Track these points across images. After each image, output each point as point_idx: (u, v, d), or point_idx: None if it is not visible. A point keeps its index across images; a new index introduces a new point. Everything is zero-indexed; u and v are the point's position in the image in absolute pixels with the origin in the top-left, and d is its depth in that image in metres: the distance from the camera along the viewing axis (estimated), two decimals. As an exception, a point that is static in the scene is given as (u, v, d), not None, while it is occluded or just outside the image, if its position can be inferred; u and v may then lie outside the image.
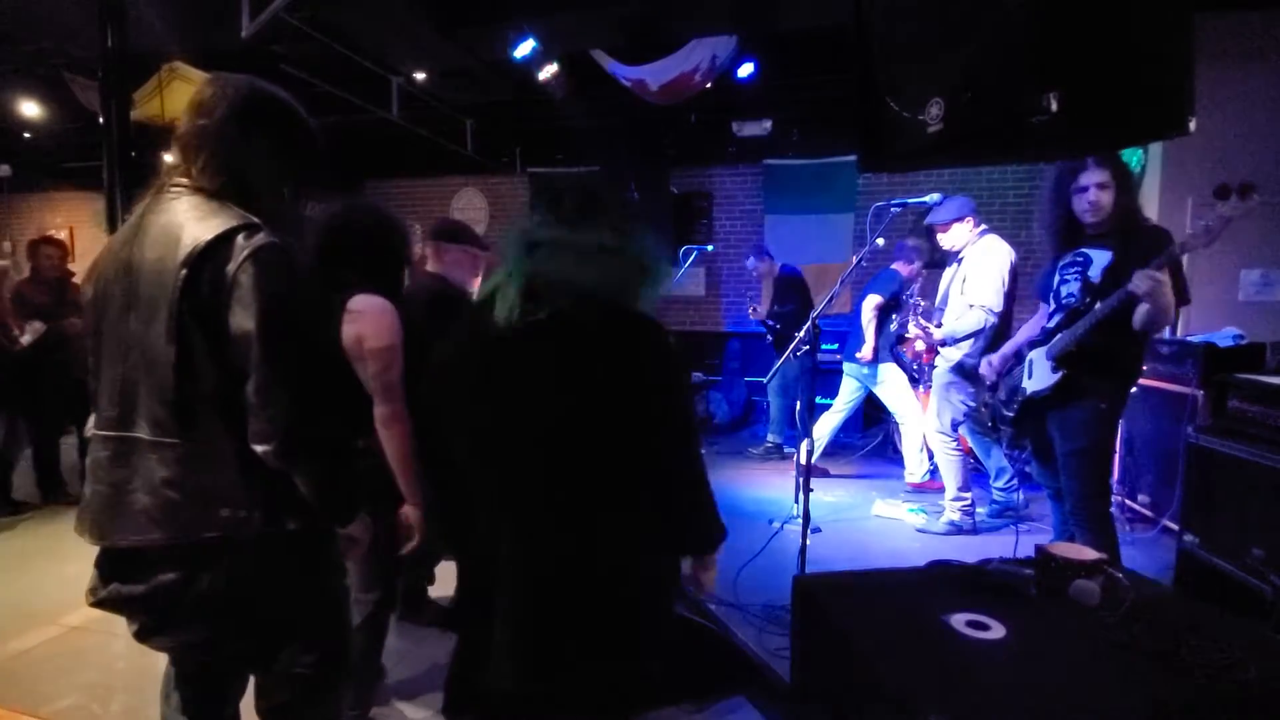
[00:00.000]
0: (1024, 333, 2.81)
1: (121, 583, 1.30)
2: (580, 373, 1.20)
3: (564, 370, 1.21)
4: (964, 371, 3.61)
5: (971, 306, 3.59)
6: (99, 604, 1.33)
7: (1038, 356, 2.59)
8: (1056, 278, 2.59)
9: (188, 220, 1.24)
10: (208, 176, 1.29)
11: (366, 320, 1.79)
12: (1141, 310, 2.28)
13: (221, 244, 1.21)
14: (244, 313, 1.20)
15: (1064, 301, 2.53)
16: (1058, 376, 2.48)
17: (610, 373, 1.20)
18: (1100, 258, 2.42)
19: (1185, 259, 2.34)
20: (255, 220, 1.27)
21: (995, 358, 2.82)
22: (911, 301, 4.06)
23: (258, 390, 1.21)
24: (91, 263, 1.38)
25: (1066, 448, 2.51)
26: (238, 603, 1.28)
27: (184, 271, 1.20)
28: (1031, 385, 2.59)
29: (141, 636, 1.36)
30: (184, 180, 1.30)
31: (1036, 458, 2.74)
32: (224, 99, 1.31)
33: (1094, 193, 2.40)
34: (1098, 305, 2.36)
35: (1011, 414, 2.69)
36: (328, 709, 1.50)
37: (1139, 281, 2.19)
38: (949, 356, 3.75)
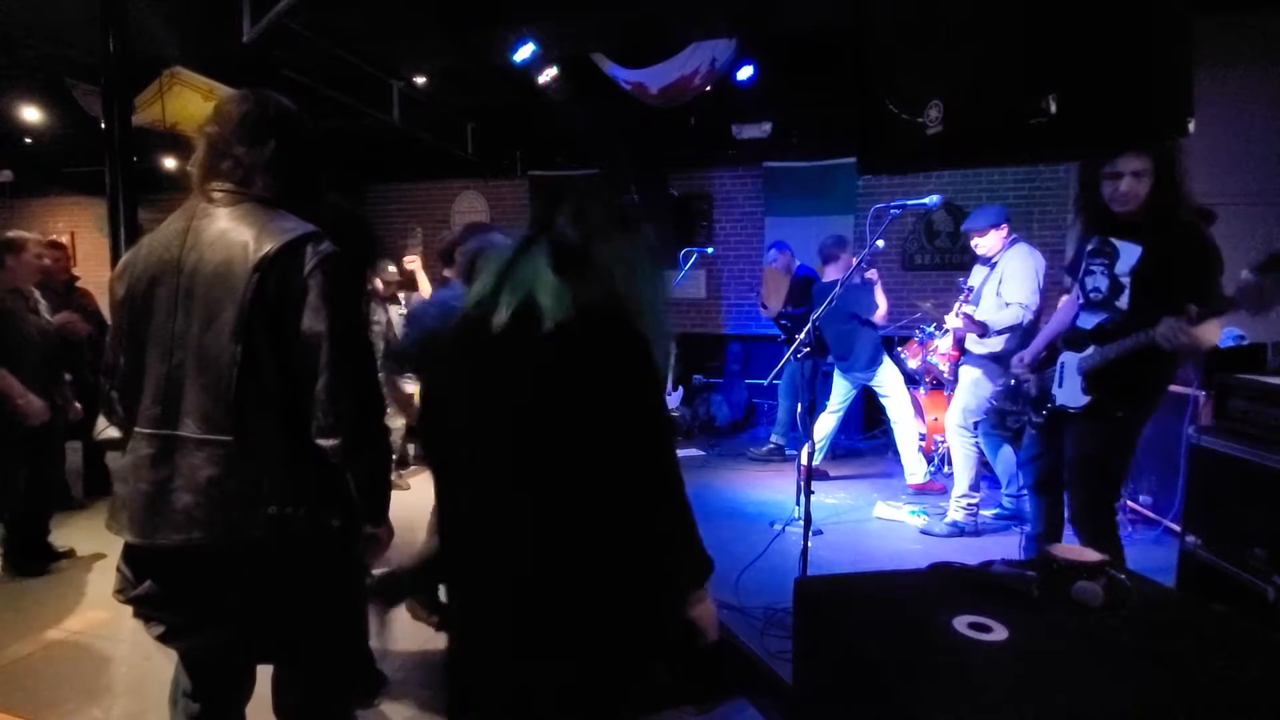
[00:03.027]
0: (1054, 323, 2.75)
1: (157, 581, 1.31)
2: (546, 378, 1.20)
3: (532, 375, 1.21)
4: (999, 359, 3.68)
5: (1009, 304, 3.69)
6: (132, 602, 1.34)
7: (1070, 363, 2.50)
8: (1084, 265, 2.49)
9: (251, 227, 1.30)
10: (261, 186, 1.36)
11: None
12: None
13: (292, 251, 1.28)
14: (315, 316, 1.26)
15: (1090, 295, 2.45)
16: (1087, 400, 2.40)
17: (574, 381, 1.19)
18: (1129, 252, 2.30)
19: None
20: (317, 229, 1.34)
21: (1027, 353, 2.79)
22: (967, 287, 4.06)
23: (328, 388, 1.26)
24: (122, 264, 1.40)
25: (1075, 453, 2.47)
26: (273, 600, 1.30)
27: (256, 275, 1.25)
28: (1061, 396, 2.53)
29: (169, 637, 1.36)
30: (228, 187, 1.35)
31: (1037, 447, 2.70)
32: (274, 113, 1.40)
33: (1127, 181, 2.23)
34: (1125, 340, 2.24)
35: (1040, 420, 2.62)
36: (345, 706, 1.55)
37: (1166, 334, 2.08)
38: (989, 346, 3.78)
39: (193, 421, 1.27)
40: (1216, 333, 2.15)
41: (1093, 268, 2.44)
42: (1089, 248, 2.47)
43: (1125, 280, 2.33)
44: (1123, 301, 2.33)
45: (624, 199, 1.41)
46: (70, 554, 3.59)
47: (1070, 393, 2.50)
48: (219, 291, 1.27)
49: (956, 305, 4.07)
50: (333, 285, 1.28)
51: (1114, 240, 2.36)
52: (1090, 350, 2.42)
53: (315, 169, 1.46)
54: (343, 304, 1.29)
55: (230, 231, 1.30)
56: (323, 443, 1.27)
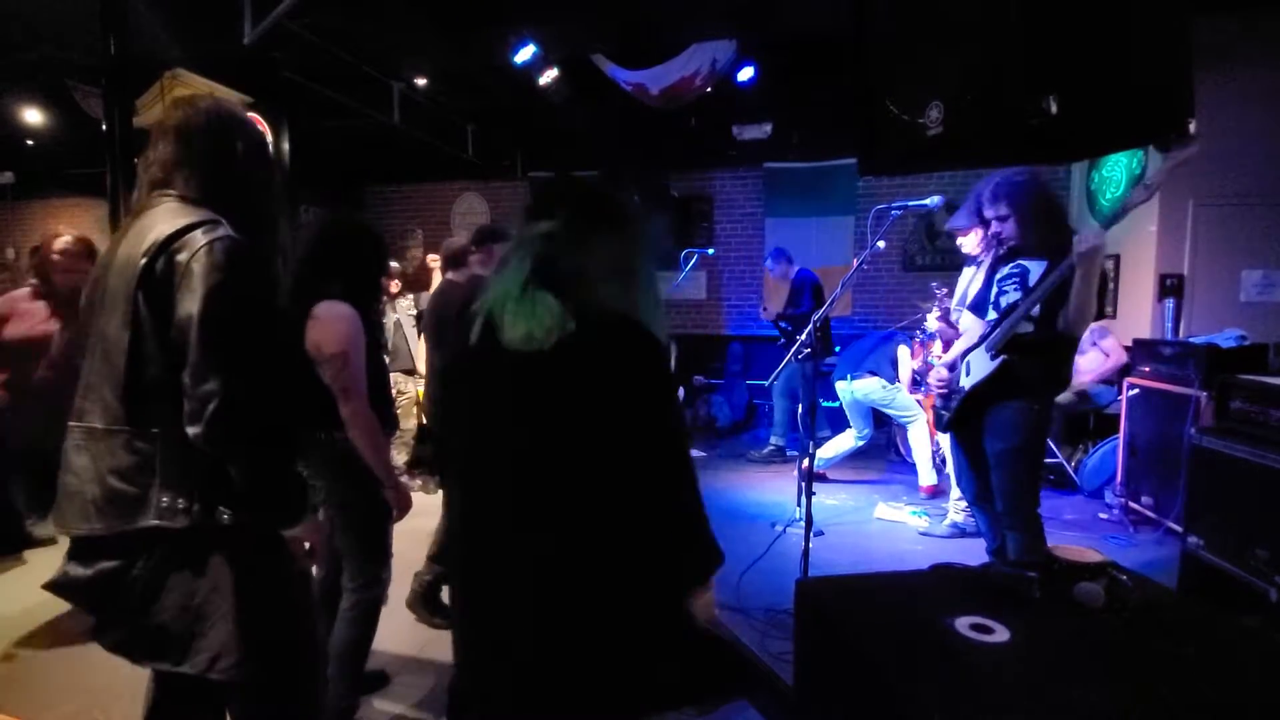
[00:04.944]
0: (962, 343, 2.82)
1: (73, 567, 1.32)
2: (563, 391, 1.19)
3: (554, 387, 1.20)
4: None
5: None
6: (48, 586, 1.34)
7: (975, 356, 2.63)
8: (994, 290, 2.66)
9: (159, 221, 1.31)
10: (189, 187, 1.37)
11: (322, 326, 1.90)
12: (1068, 309, 2.36)
13: (180, 235, 1.27)
14: (190, 297, 1.24)
15: (1003, 309, 2.58)
16: (996, 364, 2.51)
17: (592, 392, 1.18)
18: (1037, 268, 2.50)
19: (1111, 264, 2.37)
20: (218, 218, 1.33)
21: (943, 369, 2.86)
22: (941, 291, 4.05)
23: (192, 373, 1.24)
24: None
25: (998, 446, 2.53)
26: (163, 595, 1.28)
27: (143, 261, 1.26)
28: (969, 381, 2.63)
29: (96, 634, 1.35)
30: (170, 191, 1.37)
31: (964, 461, 2.76)
32: (202, 118, 1.41)
33: (995, 225, 2.56)
34: (1037, 290, 2.42)
35: (949, 413, 2.71)
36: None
37: (1085, 239, 2.26)
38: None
39: (100, 412, 1.29)
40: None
41: (1005, 288, 2.62)
42: (999, 276, 2.65)
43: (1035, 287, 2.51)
44: (1035, 309, 2.50)
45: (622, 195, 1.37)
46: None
47: (978, 370, 2.59)
48: (118, 283, 1.29)
49: (934, 309, 4.04)
50: (215, 268, 1.24)
51: (1021, 262, 2.57)
52: (996, 331, 2.53)
53: (248, 172, 1.44)
54: (223, 287, 1.25)
55: (143, 228, 1.32)
56: (188, 429, 1.23)
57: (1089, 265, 2.27)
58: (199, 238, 1.27)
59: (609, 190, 1.33)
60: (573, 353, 1.16)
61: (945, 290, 3.90)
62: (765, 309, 5.81)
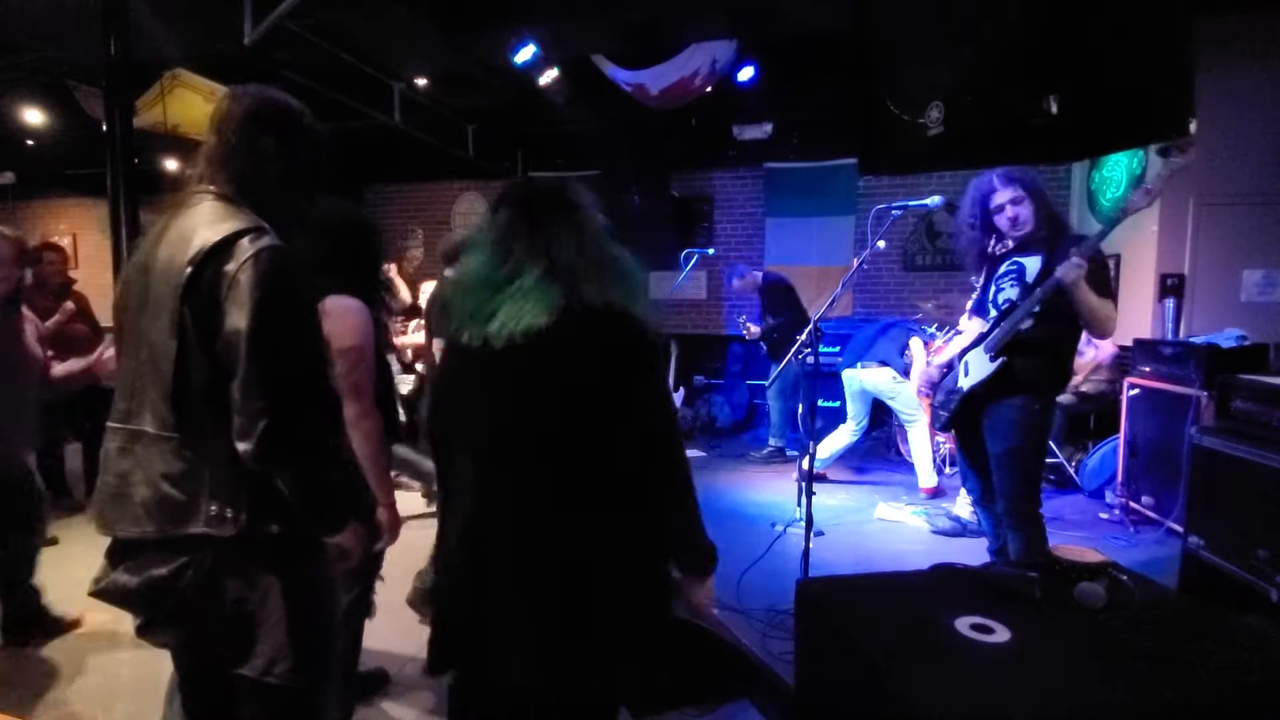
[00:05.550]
0: (961, 343, 2.82)
1: (120, 574, 1.32)
2: (553, 380, 1.22)
3: (539, 377, 1.22)
4: None
5: None
6: (97, 594, 1.35)
7: (973, 356, 2.63)
8: (993, 289, 2.66)
9: (202, 224, 1.29)
10: (227, 184, 1.35)
11: (333, 321, 1.83)
12: (1089, 319, 2.38)
13: (227, 245, 1.25)
14: (238, 311, 1.22)
15: (1002, 308, 2.58)
16: (995, 365, 2.51)
17: (580, 381, 1.21)
18: (1033, 263, 2.51)
19: (1111, 263, 2.36)
20: (264, 224, 1.31)
21: (934, 369, 2.87)
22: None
23: (242, 387, 1.22)
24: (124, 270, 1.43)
25: (999, 448, 2.53)
26: (216, 601, 1.29)
27: (189, 270, 1.23)
28: (968, 381, 2.62)
29: (140, 631, 1.37)
30: (209, 188, 1.35)
31: (965, 461, 2.76)
32: (239, 109, 1.37)
33: (1010, 209, 2.52)
34: (1027, 298, 2.42)
35: (948, 413, 2.71)
36: None
37: (1064, 270, 2.28)
38: None
39: (151, 417, 1.29)
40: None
41: (1002, 285, 2.61)
42: (998, 273, 2.65)
43: (1033, 285, 2.49)
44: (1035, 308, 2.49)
45: (597, 200, 1.39)
46: (78, 623, 2.88)
47: (977, 371, 2.59)
48: (164, 288, 1.27)
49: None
50: (263, 279, 1.22)
51: (1018, 259, 2.57)
52: (995, 332, 2.53)
53: (283, 167, 1.39)
54: (271, 299, 1.23)
55: (185, 230, 1.29)
56: (237, 445, 1.23)
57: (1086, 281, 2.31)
58: (245, 246, 1.24)
59: (563, 185, 1.34)
60: (557, 341, 1.20)
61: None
62: (749, 330, 5.63)
